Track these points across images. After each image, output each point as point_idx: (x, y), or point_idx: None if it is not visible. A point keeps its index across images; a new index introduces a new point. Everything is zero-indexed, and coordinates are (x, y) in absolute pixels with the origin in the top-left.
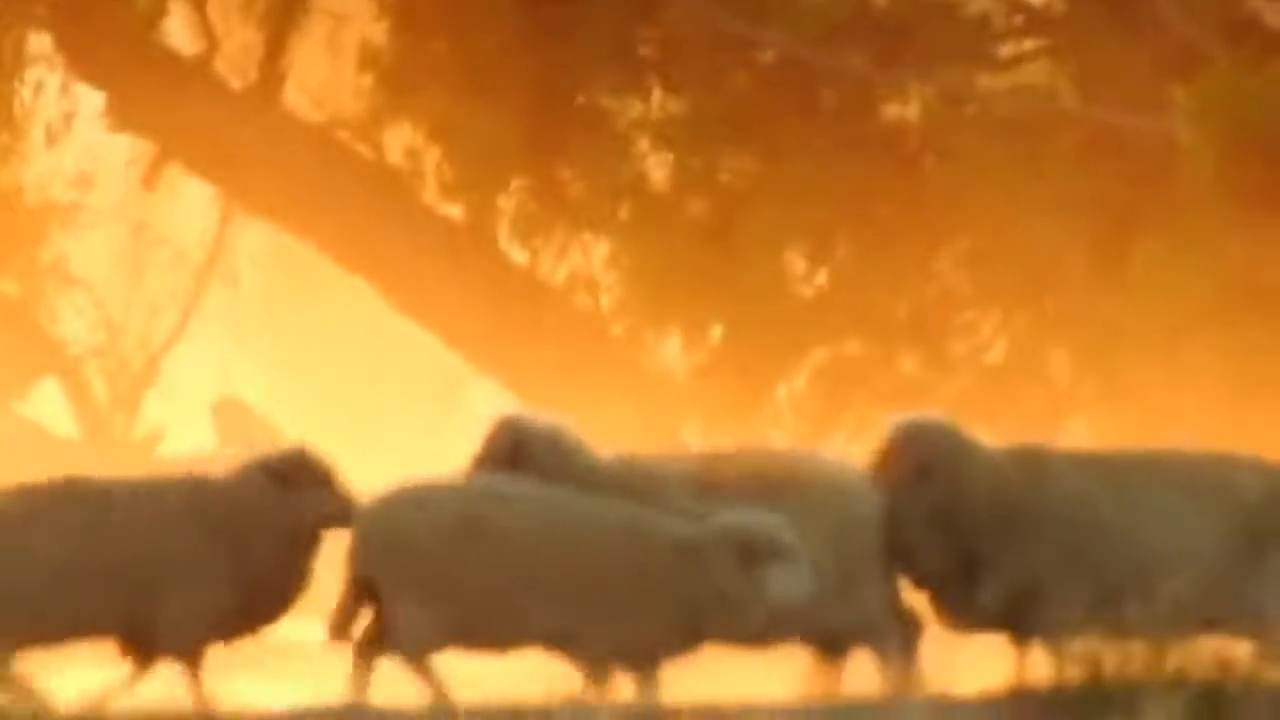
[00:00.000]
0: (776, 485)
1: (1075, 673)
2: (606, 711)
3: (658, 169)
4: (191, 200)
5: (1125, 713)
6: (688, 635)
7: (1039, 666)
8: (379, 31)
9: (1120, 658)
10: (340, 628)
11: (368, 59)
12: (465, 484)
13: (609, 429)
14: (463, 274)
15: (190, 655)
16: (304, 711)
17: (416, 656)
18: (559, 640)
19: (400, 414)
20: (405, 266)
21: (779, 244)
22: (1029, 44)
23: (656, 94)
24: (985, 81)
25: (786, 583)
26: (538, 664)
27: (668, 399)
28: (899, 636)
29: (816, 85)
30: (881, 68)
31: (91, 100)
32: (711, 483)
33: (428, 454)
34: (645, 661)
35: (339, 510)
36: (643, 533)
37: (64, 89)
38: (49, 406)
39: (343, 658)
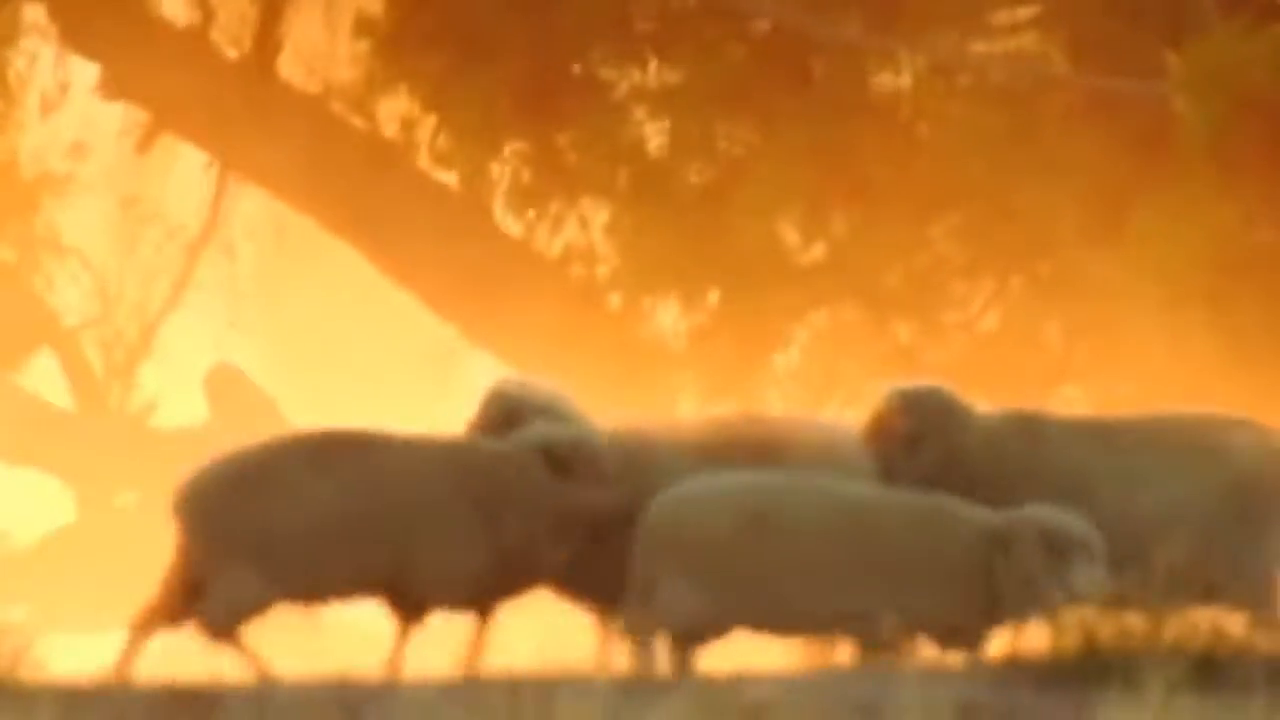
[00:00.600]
0: (772, 452)
1: (1071, 642)
2: (604, 683)
3: (655, 137)
4: (186, 169)
5: (1122, 682)
6: (986, 618)
7: (1035, 636)
8: (374, 0)
9: (1116, 627)
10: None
11: (363, 27)
12: (753, 479)
13: (605, 397)
14: (458, 243)
15: (451, 609)
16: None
17: (685, 643)
18: (852, 622)
19: (396, 384)
20: (400, 236)
21: (774, 212)
22: (1022, 11)
23: (653, 65)
24: (978, 49)
25: (1087, 577)
26: (534, 634)
27: (664, 367)
28: None
29: (810, 54)
30: (874, 36)
31: (87, 70)
32: (708, 450)
33: (424, 424)
34: (944, 640)
35: (608, 507)
36: (950, 520)
37: (59, 59)
38: (43, 377)
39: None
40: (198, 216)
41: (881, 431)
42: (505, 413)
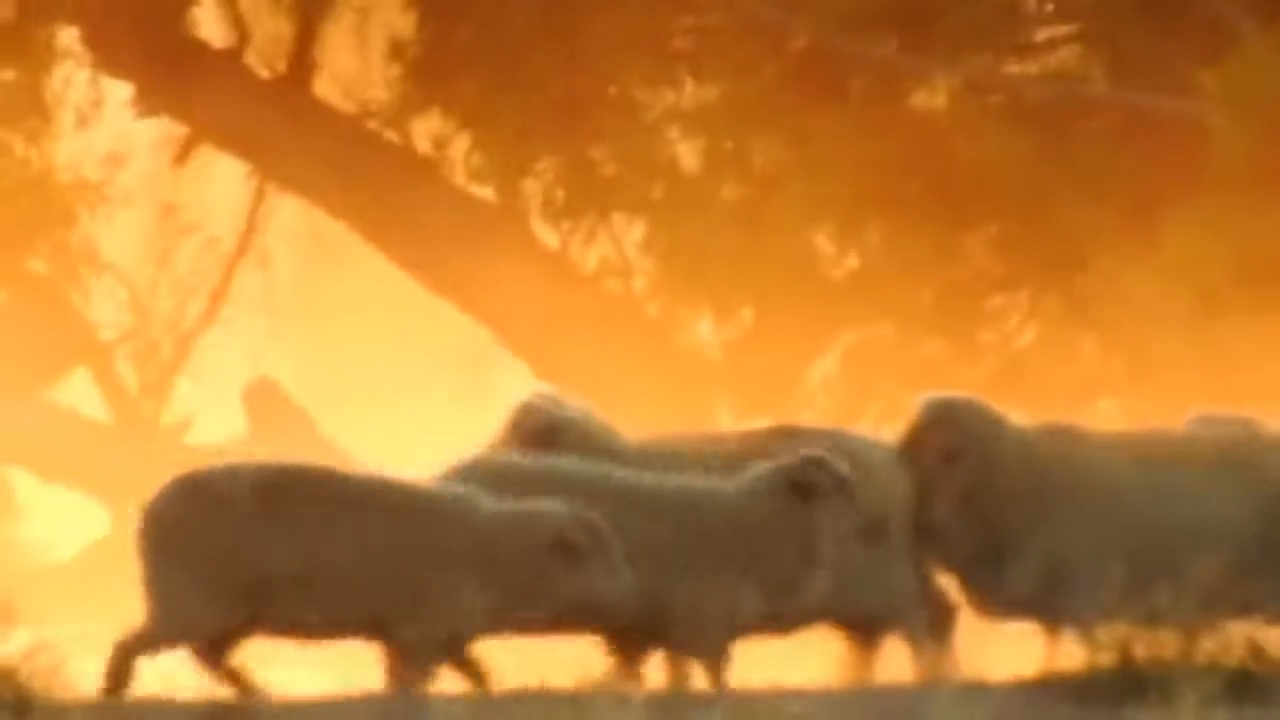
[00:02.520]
0: None
1: (1107, 659)
2: (639, 699)
3: (689, 153)
4: (222, 181)
5: (1157, 698)
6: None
7: (1071, 653)
8: (406, 22)
9: (1152, 644)
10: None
11: (395, 50)
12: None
13: (640, 410)
14: (494, 256)
15: (711, 654)
16: (345, 699)
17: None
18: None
19: (431, 395)
20: (436, 249)
21: (808, 227)
22: (1060, 29)
23: (688, 85)
24: (1014, 68)
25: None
26: (570, 652)
27: (699, 380)
28: (931, 621)
29: (846, 74)
30: (910, 56)
31: (121, 86)
32: (741, 463)
33: (459, 435)
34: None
35: (852, 522)
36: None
37: (93, 79)
38: (80, 393)
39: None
40: (234, 226)
41: (918, 444)
42: (544, 429)
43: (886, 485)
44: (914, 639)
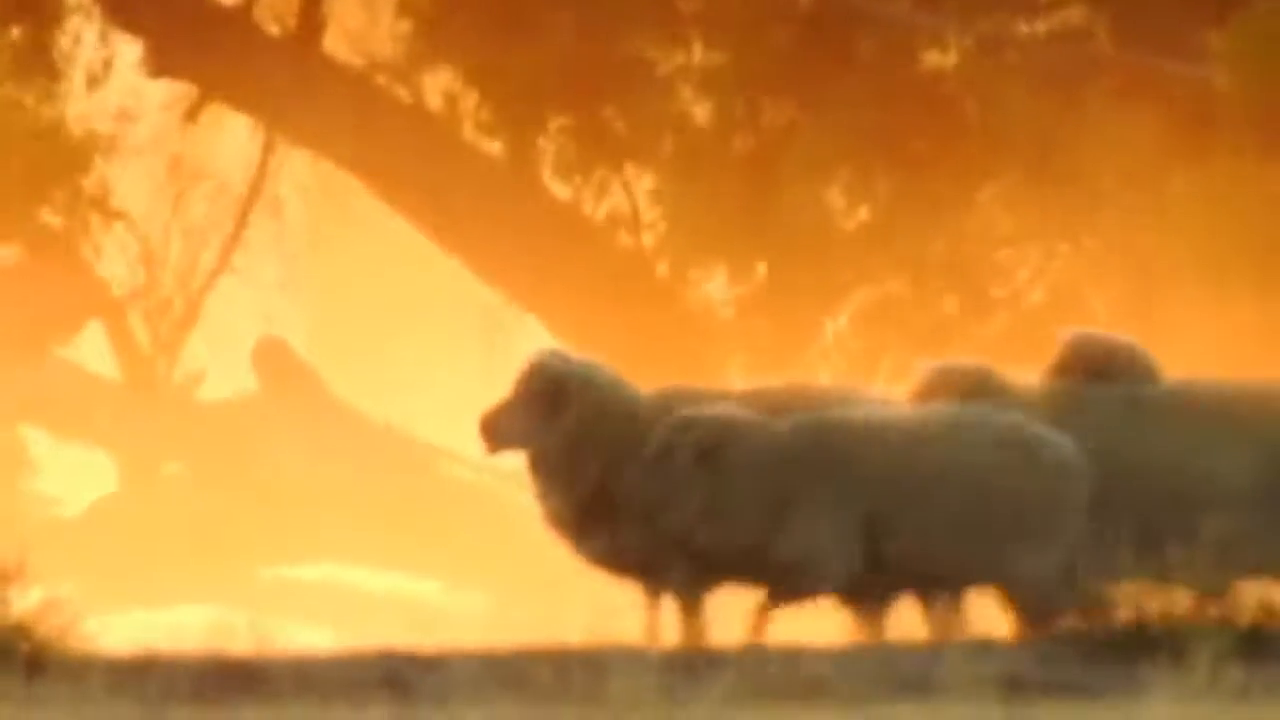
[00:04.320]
0: None
1: (1118, 617)
2: (654, 657)
3: (700, 110)
4: (233, 134)
5: (1169, 656)
6: None
7: (1082, 611)
8: None
9: (1164, 601)
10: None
11: (405, 5)
12: None
13: (652, 366)
14: (504, 210)
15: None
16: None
17: None
18: None
19: (443, 349)
20: (446, 203)
21: (819, 180)
22: None
23: (697, 46)
24: (1024, 28)
25: None
26: (584, 609)
27: (711, 336)
28: None
29: (857, 33)
30: (922, 14)
31: (131, 45)
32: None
33: (470, 390)
34: None
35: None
36: None
37: (103, 36)
38: (91, 350)
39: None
40: (244, 180)
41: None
42: (552, 385)
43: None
44: (925, 596)
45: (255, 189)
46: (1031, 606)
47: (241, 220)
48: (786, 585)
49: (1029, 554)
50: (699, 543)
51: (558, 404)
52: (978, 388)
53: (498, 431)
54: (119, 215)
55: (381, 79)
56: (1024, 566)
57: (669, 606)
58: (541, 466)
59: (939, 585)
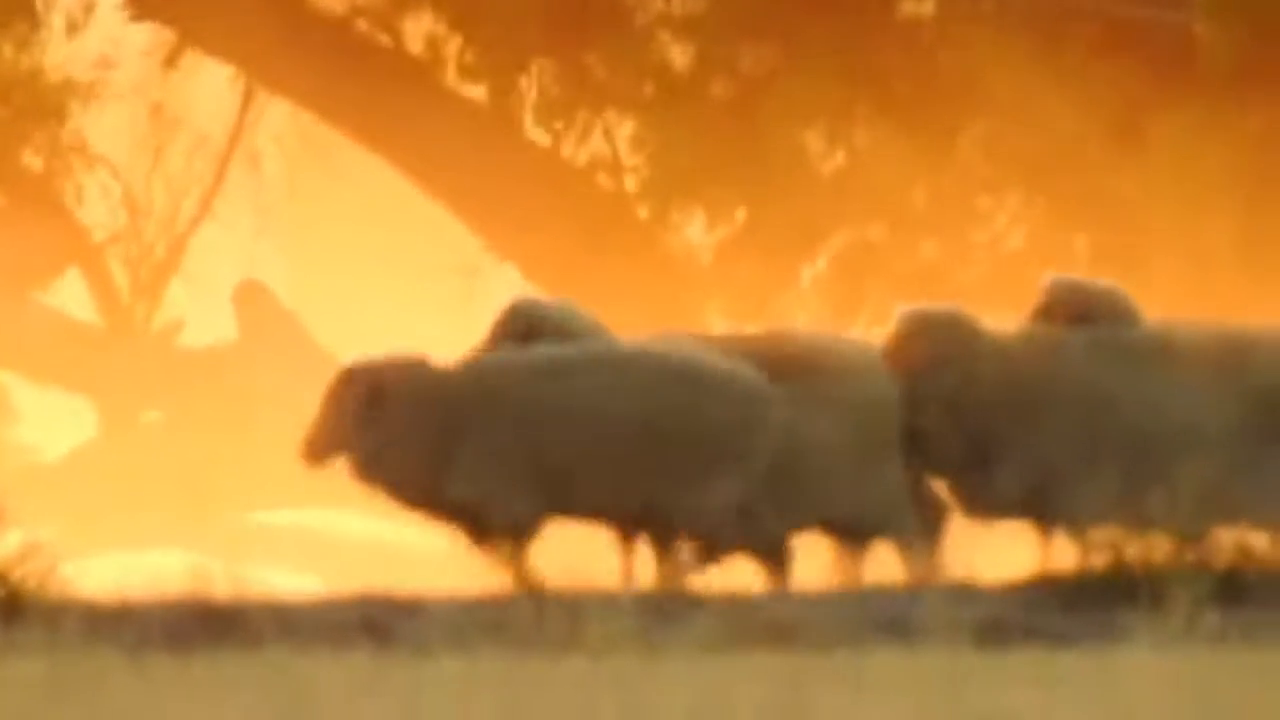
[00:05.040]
0: (793, 368)
1: (1097, 561)
2: (631, 599)
3: (681, 56)
4: (212, 81)
5: (1147, 601)
6: None
7: (1063, 555)
8: None
9: (1142, 546)
10: None
11: None
12: None
13: (631, 311)
14: (484, 154)
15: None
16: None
17: None
18: None
19: (421, 295)
20: (429, 149)
21: (799, 123)
22: None
23: None
24: None
25: None
26: (562, 552)
27: (691, 280)
28: (921, 523)
29: None
30: None
31: None
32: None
33: (448, 336)
34: None
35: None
36: None
37: None
38: (71, 295)
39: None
40: (224, 125)
41: (899, 356)
42: (524, 329)
43: (873, 389)
44: (903, 541)
45: (235, 137)
46: (708, 541)
47: (221, 168)
48: (473, 526)
49: (703, 489)
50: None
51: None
52: (952, 333)
53: None
54: (99, 159)
55: (362, 24)
56: (698, 502)
57: (644, 551)
58: None
59: (625, 525)
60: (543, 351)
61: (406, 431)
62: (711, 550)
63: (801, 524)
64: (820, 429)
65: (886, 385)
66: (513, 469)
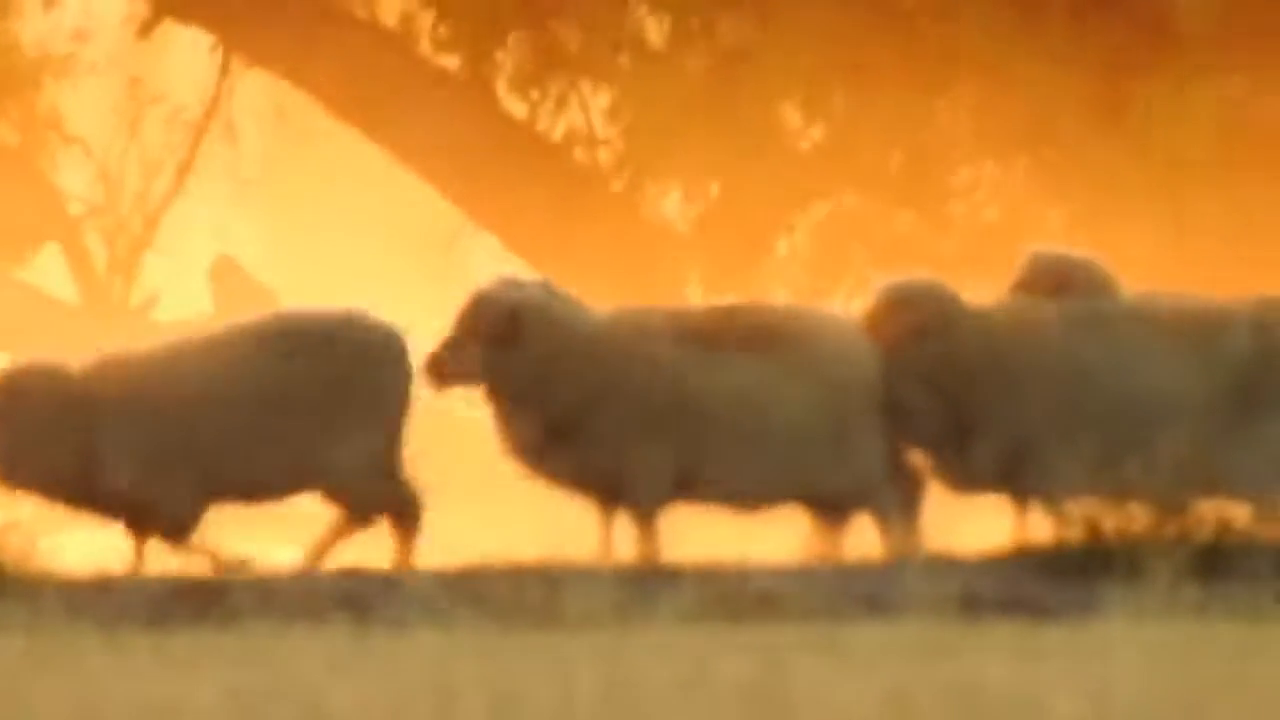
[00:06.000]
0: (771, 340)
1: (1076, 533)
2: (609, 572)
3: (656, 28)
4: (188, 55)
5: (1126, 573)
6: None
7: (1040, 528)
8: None
9: (1120, 518)
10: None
11: None
12: None
13: (608, 284)
14: (460, 126)
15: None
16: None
17: None
18: None
19: (399, 269)
20: (402, 119)
21: (776, 95)
22: None
23: None
24: None
25: None
26: (538, 527)
27: (668, 253)
28: (899, 496)
29: None
30: None
31: None
32: (707, 338)
33: (426, 310)
34: None
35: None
36: None
37: None
38: (47, 271)
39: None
40: (200, 100)
41: (879, 327)
42: (507, 317)
43: (851, 361)
44: (882, 514)
45: (210, 111)
46: (351, 503)
47: (197, 142)
48: (132, 519)
49: (338, 451)
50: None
51: (512, 335)
52: (930, 305)
53: (446, 370)
54: (74, 138)
55: None
56: (335, 464)
57: (623, 523)
58: (503, 397)
59: (268, 499)
60: (162, 341)
61: (44, 433)
62: (357, 511)
63: (779, 497)
64: (798, 401)
65: (865, 357)
66: (161, 458)
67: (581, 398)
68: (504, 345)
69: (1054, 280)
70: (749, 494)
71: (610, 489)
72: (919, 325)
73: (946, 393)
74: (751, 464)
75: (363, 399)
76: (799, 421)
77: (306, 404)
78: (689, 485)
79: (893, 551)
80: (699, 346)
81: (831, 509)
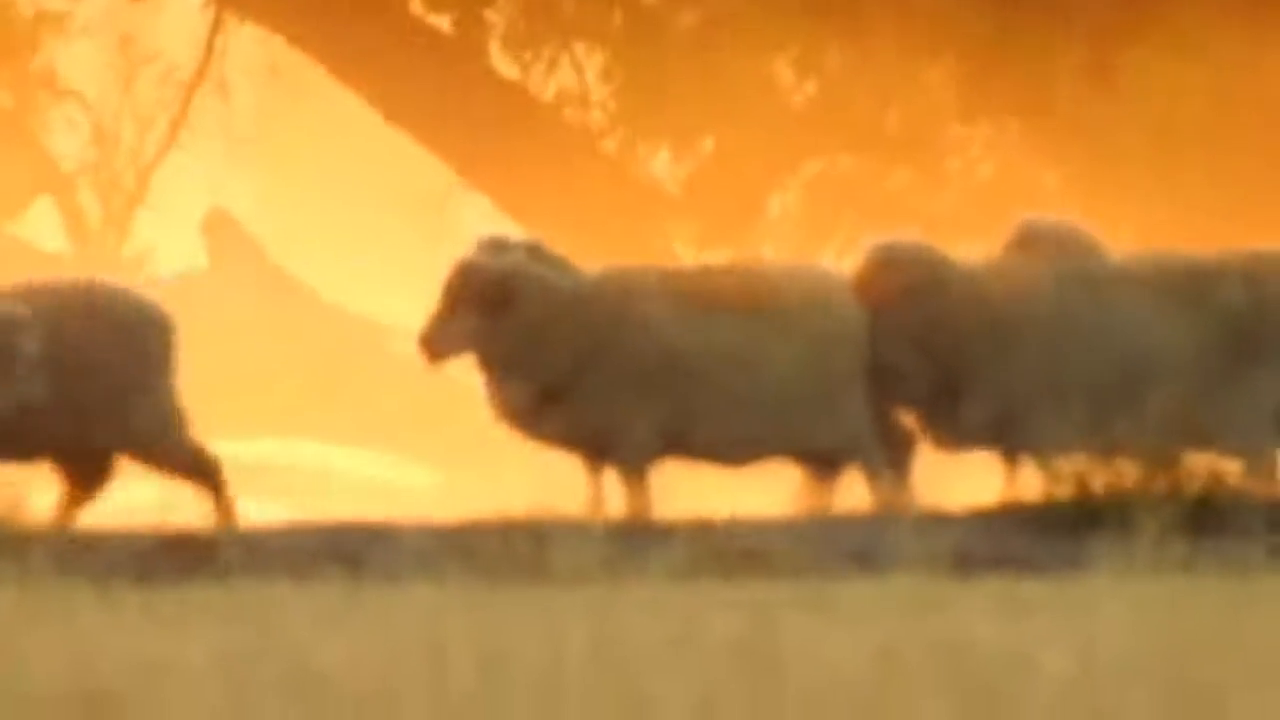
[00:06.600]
0: (760, 299)
1: (1065, 489)
2: (598, 528)
3: None
4: (180, 11)
5: (1116, 528)
6: None
7: (1030, 483)
8: None
9: (1110, 474)
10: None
11: None
12: None
13: (601, 242)
14: (452, 85)
15: None
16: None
17: None
18: None
19: (390, 225)
20: (395, 78)
21: (768, 54)
22: None
23: None
24: None
25: None
26: (529, 483)
27: (659, 212)
28: (889, 452)
29: None
30: None
31: None
32: (697, 297)
33: (417, 266)
34: None
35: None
36: None
37: None
38: (40, 226)
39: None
40: (193, 57)
41: (868, 287)
42: (499, 284)
43: (839, 319)
44: (872, 470)
45: (203, 67)
46: (157, 462)
47: (188, 98)
48: None
49: (133, 414)
50: None
51: (504, 303)
52: (920, 265)
53: (441, 343)
54: (68, 94)
55: None
56: (131, 427)
57: (611, 479)
58: (496, 364)
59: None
60: None
61: None
62: (161, 465)
63: (769, 452)
64: (788, 358)
65: (854, 315)
66: None
67: (573, 360)
68: (496, 313)
69: (1044, 247)
70: (739, 451)
71: (601, 447)
72: (909, 285)
73: (936, 352)
74: (741, 421)
75: (137, 364)
76: (788, 378)
77: (86, 373)
78: (679, 442)
79: (883, 507)
80: (689, 306)
81: (821, 464)
